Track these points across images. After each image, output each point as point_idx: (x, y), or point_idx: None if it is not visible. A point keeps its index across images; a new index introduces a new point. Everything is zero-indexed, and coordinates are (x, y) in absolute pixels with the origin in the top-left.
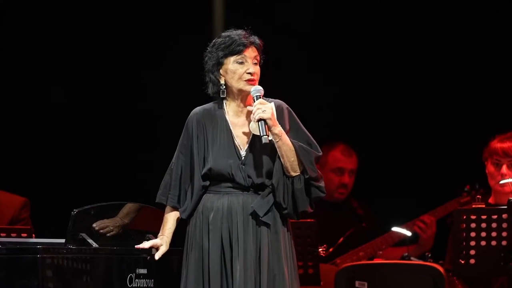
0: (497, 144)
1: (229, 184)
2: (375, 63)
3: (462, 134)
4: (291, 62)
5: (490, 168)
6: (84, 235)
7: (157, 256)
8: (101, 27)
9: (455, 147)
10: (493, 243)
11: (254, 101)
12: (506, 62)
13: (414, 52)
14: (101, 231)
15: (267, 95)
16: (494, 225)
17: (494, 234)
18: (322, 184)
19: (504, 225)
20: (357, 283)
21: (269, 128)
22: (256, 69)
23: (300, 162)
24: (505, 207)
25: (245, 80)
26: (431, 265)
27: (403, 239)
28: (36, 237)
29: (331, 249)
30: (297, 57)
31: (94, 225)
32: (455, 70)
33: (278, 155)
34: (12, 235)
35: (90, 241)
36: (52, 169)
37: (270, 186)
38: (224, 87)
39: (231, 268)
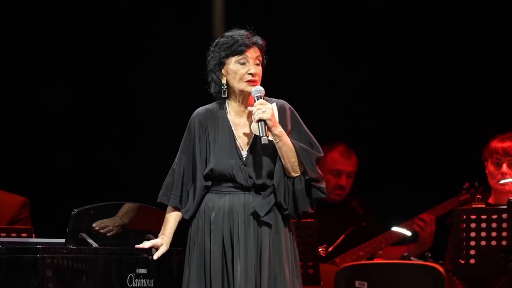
0: (497, 144)
1: (231, 184)
2: (375, 63)
3: (461, 133)
4: (291, 62)
5: (490, 167)
6: (84, 235)
7: (156, 256)
8: (99, 28)
9: (454, 145)
10: (493, 243)
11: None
12: (506, 62)
13: (414, 52)
14: (101, 231)
15: (270, 95)
16: (494, 225)
17: (494, 234)
18: (323, 185)
19: (504, 225)
20: (357, 283)
21: (269, 129)
22: (258, 70)
23: (301, 163)
24: (505, 207)
25: (246, 81)
26: (431, 265)
27: (402, 238)
28: (36, 237)
29: (330, 248)
30: (297, 57)
31: (94, 225)
32: (454, 70)
33: (279, 155)
34: (12, 235)
35: (90, 241)
36: (52, 169)
37: (272, 187)
38: (225, 87)
39: (232, 268)
